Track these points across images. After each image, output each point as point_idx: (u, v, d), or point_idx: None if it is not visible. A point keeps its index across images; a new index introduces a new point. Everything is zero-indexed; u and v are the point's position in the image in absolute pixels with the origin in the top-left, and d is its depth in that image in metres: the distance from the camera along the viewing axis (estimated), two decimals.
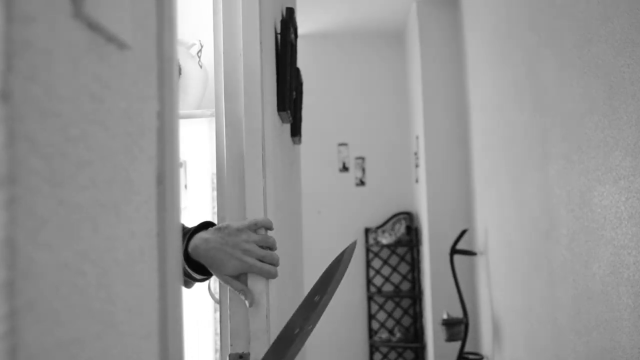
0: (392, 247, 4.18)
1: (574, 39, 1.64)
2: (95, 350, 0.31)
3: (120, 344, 0.34)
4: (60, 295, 0.27)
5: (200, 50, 1.96)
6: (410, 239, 4.13)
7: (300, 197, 2.18)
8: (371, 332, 4.21)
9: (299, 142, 1.80)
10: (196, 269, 0.93)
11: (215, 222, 0.99)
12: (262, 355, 0.93)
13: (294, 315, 0.79)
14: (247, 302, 0.95)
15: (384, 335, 4.14)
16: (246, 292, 0.94)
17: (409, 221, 4.18)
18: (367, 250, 4.26)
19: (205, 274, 0.94)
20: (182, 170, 2.03)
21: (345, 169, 4.37)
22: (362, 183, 4.36)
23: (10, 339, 0.23)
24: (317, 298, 0.78)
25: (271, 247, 0.93)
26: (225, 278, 0.93)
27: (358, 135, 4.37)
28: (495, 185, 2.71)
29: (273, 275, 0.93)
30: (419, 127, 3.77)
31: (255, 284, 0.94)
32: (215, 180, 1.06)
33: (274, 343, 0.78)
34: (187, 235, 0.92)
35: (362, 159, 4.37)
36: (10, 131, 0.24)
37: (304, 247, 2.34)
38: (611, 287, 1.43)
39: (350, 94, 4.39)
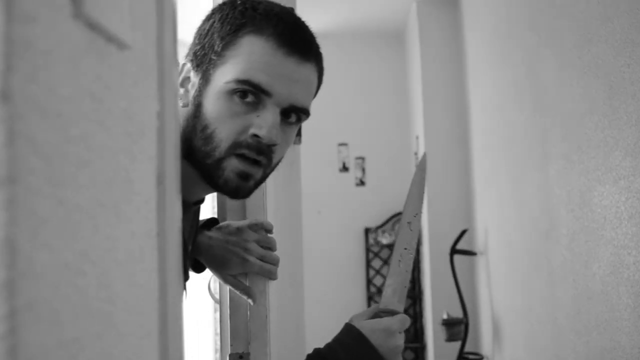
0: (392, 247, 4.17)
1: (574, 39, 1.64)
2: (95, 350, 0.31)
3: (120, 344, 0.34)
4: (60, 295, 0.27)
5: None
6: None
7: (300, 197, 2.18)
8: None
9: (299, 142, 1.80)
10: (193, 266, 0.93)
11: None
12: (262, 355, 0.93)
13: (397, 243, 0.87)
14: (250, 301, 0.95)
15: None
16: (248, 290, 0.94)
17: None
18: (367, 250, 4.26)
19: (196, 271, 0.95)
20: None
21: (345, 169, 4.37)
22: (362, 183, 4.36)
23: (10, 339, 0.23)
24: (412, 227, 0.87)
25: (271, 248, 0.93)
26: (225, 276, 0.93)
27: (358, 135, 4.37)
28: (495, 185, 2.71)
29: (273, 275, 0.93)
30: (419, 127, 3.77)
31: (255, 284, 0.94)
32: None
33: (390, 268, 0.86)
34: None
35: (362, 159, 4.37)
36: (10, 131, 0.24)
37: (304, 247, 2.33)
38: (611, 287, 1.43)
39: (350, 94, 4.39)
